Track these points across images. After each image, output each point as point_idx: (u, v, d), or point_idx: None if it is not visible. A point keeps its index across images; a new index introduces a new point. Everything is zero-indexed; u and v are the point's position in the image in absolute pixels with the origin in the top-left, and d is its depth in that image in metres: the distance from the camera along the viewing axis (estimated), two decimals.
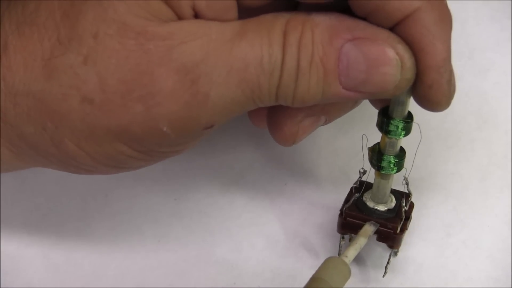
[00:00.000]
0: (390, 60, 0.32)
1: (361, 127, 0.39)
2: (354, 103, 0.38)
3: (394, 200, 0.39)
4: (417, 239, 0.42)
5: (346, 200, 0.40)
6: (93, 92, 0.32)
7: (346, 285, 0.36)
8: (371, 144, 0.38)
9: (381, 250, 0.42)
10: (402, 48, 0.32)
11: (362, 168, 0.39)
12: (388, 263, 0.40)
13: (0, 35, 0.33)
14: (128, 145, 0.33)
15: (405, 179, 0.39)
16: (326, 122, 0.38)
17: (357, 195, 0.39)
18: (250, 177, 0.45)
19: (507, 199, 0.44)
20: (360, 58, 0.32)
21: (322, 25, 0.32)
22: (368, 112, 0.39)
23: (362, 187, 0.39)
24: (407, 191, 0.39)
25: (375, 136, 0.37)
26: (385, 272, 0.40)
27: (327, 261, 0.36)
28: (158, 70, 0.32)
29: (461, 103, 0.46)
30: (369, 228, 0.39)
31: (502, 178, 0.44)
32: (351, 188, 0.40)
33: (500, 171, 0.45)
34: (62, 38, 0.32)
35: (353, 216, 0.39)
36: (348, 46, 0.32)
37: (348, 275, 0.36)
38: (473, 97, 0.47)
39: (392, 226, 0.39)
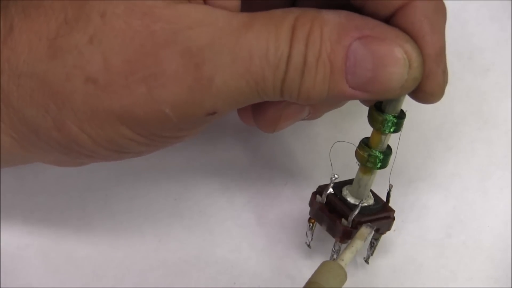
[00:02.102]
0: (398, 59, 0.32)
1: (361, 128, 0.38)
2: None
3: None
4: (417, 239, 0.42)
5: (320, 208, 0.39)
6: (97, 72, 0.32)
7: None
8: (337, 151, 0.38)
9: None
10: (410, 47, 0.32)
11: (333, 175, 0.39)
12: (375, 247, 0.40)
13: (3, 18, 0.33)
14: (130, 128, 0.33)
15: None
16: (309, 116, 0.38)
17: (363, 204, 0.38)
18: (250, 176, 0.45)
19: (507, 199, 0.44)
20: (368, 57, 0.32)
21: (331, 22, 0.32)
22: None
23: (338, 190, 0.39)
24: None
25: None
26: (369, 257, 0.41)
27: (323, 265, 0.36)
28: (162, 52, 0.32)
29: (461, 103, 0.46)
30: (365, 231, 0.38)
31: (502, 178, 0.44)
32: (315, 195, 0.39)
33: (500, 171, 0.45)
34: (69, 18, 0.32)
35: (360, 222, 0.38)
36: (356, 44, 0.32)
37: (344, 279, 0.36)
38: (473, 97, 0.47)
39: (391, 215, 0.39)
